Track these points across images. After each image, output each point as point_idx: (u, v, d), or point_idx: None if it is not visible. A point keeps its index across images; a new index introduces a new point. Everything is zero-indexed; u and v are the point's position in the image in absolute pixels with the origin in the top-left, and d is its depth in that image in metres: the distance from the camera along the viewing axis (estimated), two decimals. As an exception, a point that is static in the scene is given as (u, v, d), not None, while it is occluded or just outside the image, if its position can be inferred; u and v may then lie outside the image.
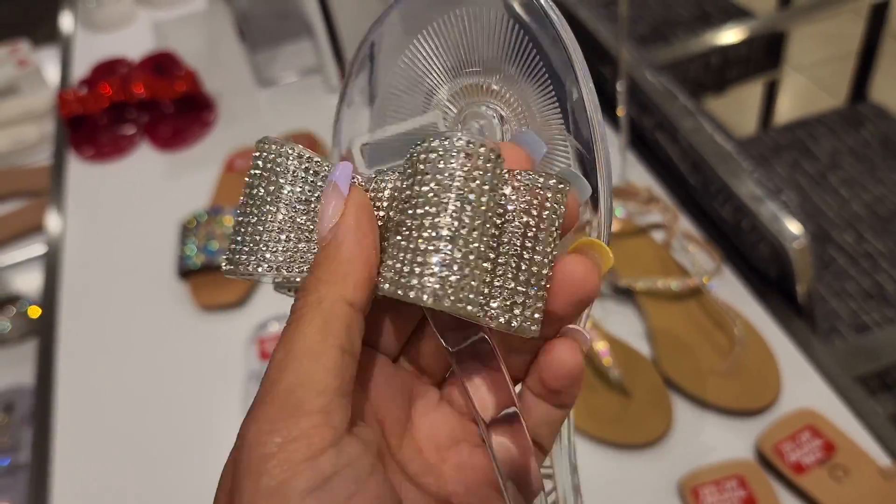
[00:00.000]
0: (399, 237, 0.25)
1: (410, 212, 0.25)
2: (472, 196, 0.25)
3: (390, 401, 0.28)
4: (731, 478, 0.61)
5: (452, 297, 0.24)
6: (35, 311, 1.05)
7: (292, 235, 0.28)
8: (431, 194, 0.25)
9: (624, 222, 0.82)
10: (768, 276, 0.76)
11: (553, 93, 0.28)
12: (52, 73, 1.40)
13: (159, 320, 0.85)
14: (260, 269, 0.28)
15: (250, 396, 0.75)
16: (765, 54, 1.38)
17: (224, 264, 0.28)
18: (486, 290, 0.25)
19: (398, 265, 0.25)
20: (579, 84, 0.28)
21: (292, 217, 0.28)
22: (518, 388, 0.29)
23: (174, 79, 1.10)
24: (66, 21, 1.42)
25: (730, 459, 0.63)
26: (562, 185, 0.26)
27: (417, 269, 0.24)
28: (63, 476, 0.73)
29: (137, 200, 1.01)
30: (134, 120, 1.11)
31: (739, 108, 1.82)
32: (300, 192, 0.28)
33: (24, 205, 1.19)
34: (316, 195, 0.28)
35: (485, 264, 0.25)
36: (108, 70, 1.22)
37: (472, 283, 0.24)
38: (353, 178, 0.27)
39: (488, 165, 0.25)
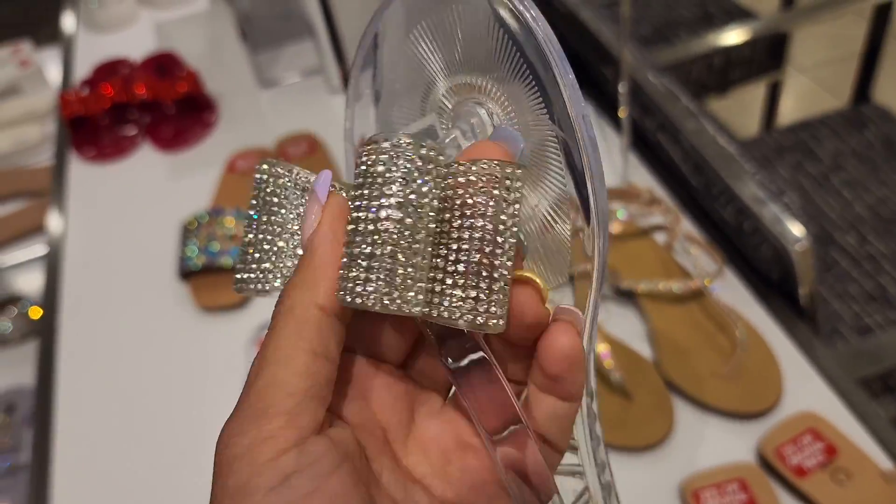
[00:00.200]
0: (346, 242, 0.26)
1: (354, 215, 0.26)
2: (399, 196, 0.25)
3: (391, 406, 0.28)
4: (732, 481, 0.61)
5: (387, 301, 0.25)
6: (36, 312, 1.05)
7: (298, 251, 0.30)
8: (365, 199, 0.25)
9: (625, 224, 0.82)
10: (770, 278, 0.76)
11: (540, 97, 0.28)
12: (53, 74, 1.40)
13: (160, 321, 0.85)
14: (268, 288, 0.30)
15: (251, 398, 0.75)
16: (768, 55, 1.38)
17: (234, 283, 0.30)
18: (439, 289, 0.25)
19: (342, 271, 0.25)
20: (563, 97, 0.27)
21: (292, 234, 0.30)
22: (525, 392, 0.28)
23: (176, 79, 1.10)
24: (67, 21, 1.42)
25: (731, 462, 0.63)
26: (510, 170, 0.26)
27: (355, 274, 0.25)
28: (63, 477, 0.73)
29: (138, 201, 1.01)
30: (135, 121, 1.11)
31: (742, 109, 1.82)
32: (296, 209, 0.30)
33: (25, 205, 1.19)
34: None
35: (423, 261, 0.25)
36: (109, 71, 1.22)
37: (409, 282, 0.25)
38: (332, 185, 0.27)
39: (418, 164, 0.25)
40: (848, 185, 1.10)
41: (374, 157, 0.26)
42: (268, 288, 0.29)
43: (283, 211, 0.29)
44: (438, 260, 0.26)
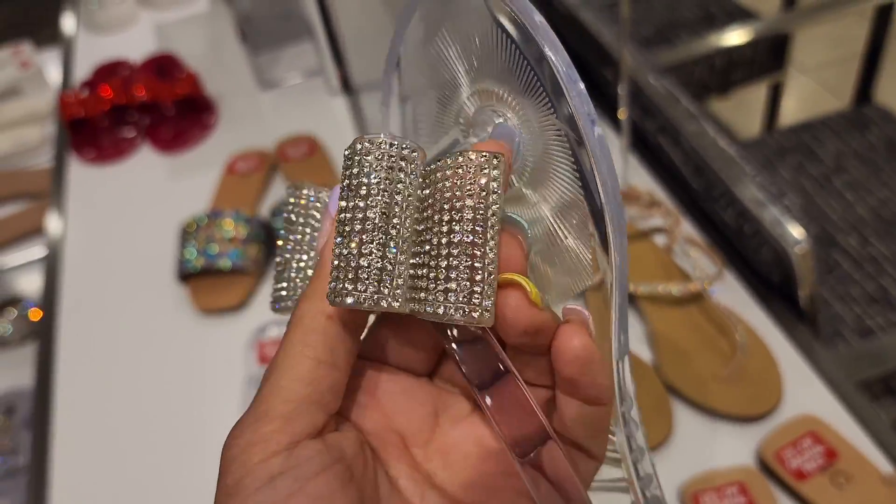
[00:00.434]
0: (335, 244, 0.26)
1: (339, 216, 0.26)
2: (380, 196, 0.25)
3: (412, 412, 0.29)
4: (731, 484, 0.61)
5: (372, 300, 0.25)
6: (36, 314, 1.05)
7: None
8: (348, 200, 0.26)
9: (625, 226, 0.81)
10: (771, 280, 0.76)
11: (551, 106, 0.27)
12: (54, 75, 1.40)
13: (159, 324, 0.85)
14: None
15: (249, 401, 0.74)
16: (769, 56, 1.37)
17: (271, 301, 0.32)
18: (423, 285, 0.25)
19: (331, 273, 0.26)
20: (571, 106, 0.27)
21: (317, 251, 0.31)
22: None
23: (175, 81, 1.10)
24: (68, 23, 1.42)
25: (731, 466, 0.63)
26: (489, 158, 0.25)
27: (341, 275, 0.25)
28: (62, 479, 0.73)
29: (138, 203, 1.01)
30: (135, 122, 1.11)
31: (744, 110, 1.81)
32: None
33: (24, 207, 1.19)
34: None
35: (407, 258, 0.25)
36: (109, 72, 1.22)
37: (395, 280, 0.25)
38: None
39: (399, 163, 0.26)
40: (850, 186, 1.09)
41: (354, 158, 0.26)
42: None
43: (307, 230, 0.31)
44: (423, 256, 0.26)
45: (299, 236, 0.31)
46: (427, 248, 0.25)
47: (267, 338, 0.79)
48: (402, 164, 0.26)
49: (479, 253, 0.25)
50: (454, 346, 0.27)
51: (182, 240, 0.87)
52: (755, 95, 1.61)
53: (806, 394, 0.67)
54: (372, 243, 0.25)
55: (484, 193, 0.25)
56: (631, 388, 0.29)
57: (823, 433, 0.63)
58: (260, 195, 0.97)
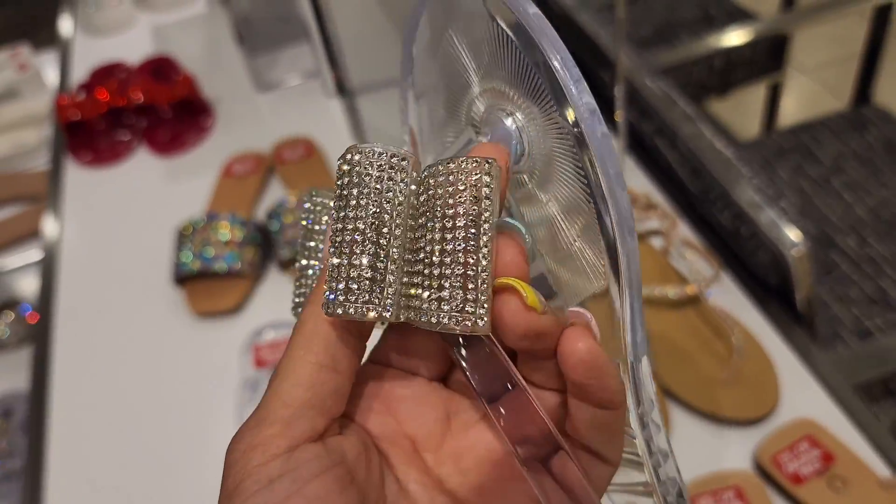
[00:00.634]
0: (329, 255, 0.26)
1: (333, 226, 0.26)
2: (371, 205, 0.25)
3: (421, 417, 0.29)
4: (728, 489, 0.61)
5: (363, 310, 0.25)
6: (34, 317, 1.04)
7: None
8: (341, 210, 0.26)
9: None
10: (767, 283, 0.75)
11: (554, 107, 0.27)
12: (52, 77, 1.40)
13: (154, 327, 0.84)
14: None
15: (245, 404, 0.74)
16: (768, 56, 1.37)
17: (292, 309, 0.32)
18: (416, 293, 0.25)
19: (325, 284, 0.26)
20: (571, 102, 0.26)
21: None
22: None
23: (172, 83, 1.10)
24: (65, 25, 1.42)
25: (727, 470, 0.62)
26: (483, 164, 0.25)
27: (334, 285, 0.25)
28: (57, 482, 0.72)
29: (134, 206, 1.01)
30: (132, 125, 1.11)
31: (743, 110, 1.81)
32: None
33: (21, 210, 1.18)
34: None
35: (399, 267, 0.25)
36: (106, 74, 1.22)
37: (386, 290, 0.25)
38: None
39: (389, 172, 0.25)
40: (848, 187, 1.09)
41: (345, 168, 0.26)
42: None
43: (321, 237, 0.32)
44: (417, 264, 0.25)
45: (314, 244, 0.32)
46: (421, 255, 0.25)
47: (263, 341, 0.78)
48: (393, 173, 0.26)
49: (471, 260, 0.25)
50: (461, 352, 0.27)
51: (178, 243, 0.87)
52: (754, 96, 1.61)
53: (803, 397, 0.67)
54: (363, 254, 0.25)
55: (476, 200, 0.25)
56: (651, 390, 0.28)
57: (820, 437, 0.63)
58: (256, 198, 0.96)
